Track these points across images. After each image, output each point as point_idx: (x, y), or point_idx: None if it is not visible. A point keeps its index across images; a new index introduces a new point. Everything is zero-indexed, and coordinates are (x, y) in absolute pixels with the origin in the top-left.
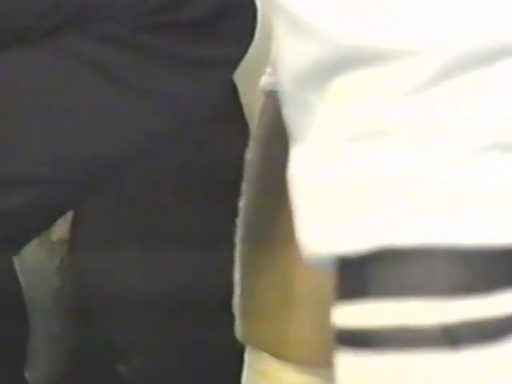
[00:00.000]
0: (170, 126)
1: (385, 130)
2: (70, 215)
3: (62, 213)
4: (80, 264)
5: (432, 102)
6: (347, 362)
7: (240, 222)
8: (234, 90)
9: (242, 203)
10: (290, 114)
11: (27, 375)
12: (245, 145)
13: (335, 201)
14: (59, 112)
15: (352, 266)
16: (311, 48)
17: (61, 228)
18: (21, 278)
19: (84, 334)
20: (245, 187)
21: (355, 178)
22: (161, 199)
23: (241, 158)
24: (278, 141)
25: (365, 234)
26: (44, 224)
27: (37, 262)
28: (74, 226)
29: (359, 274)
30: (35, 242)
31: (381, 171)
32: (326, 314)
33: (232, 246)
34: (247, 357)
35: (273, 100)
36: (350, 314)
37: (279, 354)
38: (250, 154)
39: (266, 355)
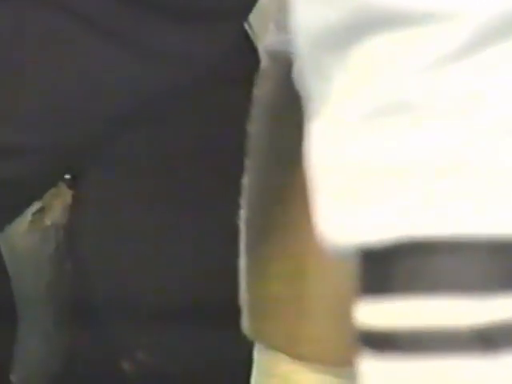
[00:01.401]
0: (169, 86)
1: (413, 105)
2: (68, 196)
3: (53, 183)
4: (79, 252)
5: (466, 73)
6: (371, 367)
7: (244, 202)
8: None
9: (245, 181)
10: (306, 83)
11: (13, 378)
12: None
13: (358, 184)
14: (45, 72)
15: (376, 258)
16: (332, 7)
17: (56, 210)
18: (9, 267)
19: (81, 331)
20: (248, 163)
21: (381, 158)
22: (175, 174)
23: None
24: (286, 110)
25: (391, 222)
26: (32, 196)
27: (27, 249)
28: (74, 207)
29: (384, 268)
30: (26, 226)
31: (409, 151)
32: (344, 307)
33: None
34: (256, 356)
35: (278, 62)
36: (374, 313)
37: (292, 353)
38: (253, 125)
39: (277, 354)
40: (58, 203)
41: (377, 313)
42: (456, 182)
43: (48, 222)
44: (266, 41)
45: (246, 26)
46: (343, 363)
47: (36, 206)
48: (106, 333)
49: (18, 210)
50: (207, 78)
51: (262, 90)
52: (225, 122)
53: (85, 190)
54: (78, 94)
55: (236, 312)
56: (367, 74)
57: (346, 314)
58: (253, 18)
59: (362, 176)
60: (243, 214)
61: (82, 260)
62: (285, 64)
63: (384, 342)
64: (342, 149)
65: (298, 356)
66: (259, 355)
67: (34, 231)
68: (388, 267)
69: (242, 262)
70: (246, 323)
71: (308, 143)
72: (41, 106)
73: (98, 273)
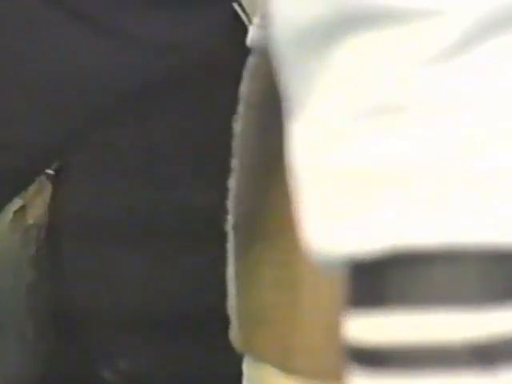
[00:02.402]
0: (156, 75)
1: (402, 106)
2: (49, 192)
3: (33, 178)
4: (59, 254)
5: (457, 72)
6: None
7: (231, 205)
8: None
9: (232, 183)
10: (287, 82)
11: None
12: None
13: (346, 192)
14: (26, 62)
15: (366, 269)
16: (316, 3)
17: (38, 208)
18: None
19: (60, 336)
20: (235, 163)
21: (368, 165)
22: (161, 172)
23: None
24: (273, 109)
25: (381, 232)
26: (12, 191)
27: (7, 250)
28: (53, 205)
29: (374, 280)
30: (6, 224)
31: (398, 157)
32: (339, 318)
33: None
34: (246, 370)
35: (264, 59)
36: (364, 327)
37: (284, 366)
38: (240, 124)
39: (268, 367)
40: (40, 201)
41: (367, 327)
42: (447, 190)
43: (30, 220)
44: (251, 36)
45: (240, 13)
46: (337, 377)
47: (18, 203)
48: (85, 339)
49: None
50: (196, 67)
51: (249, 87)
52: (212, 120)
53: (65, 187)
54: (61, 84)
55: (224, 322)
56: (353, 73)
57: (341, 325)
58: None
59: (348, 183)
60: (230, 218)
61: (62, 262)
62: (270, 61)
63: (375, 358)
64: (327, 152)
65: (289, 369)
66: (249, 369)
67: (15, 231)
68: (378, 279)
69: (230, 269)
70: (234, 334)
71: (290, 144)
72: (22, 97)
73: (76, 276)
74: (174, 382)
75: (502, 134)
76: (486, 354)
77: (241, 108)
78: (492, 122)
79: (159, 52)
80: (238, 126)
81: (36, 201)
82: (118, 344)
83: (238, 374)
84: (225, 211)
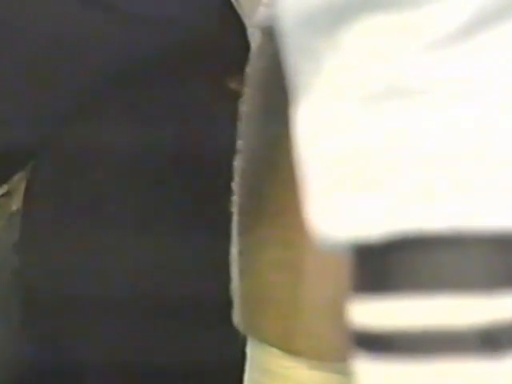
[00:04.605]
0: (147, 50)
1: (409, 90)
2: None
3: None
4: (38, 242)
5: (464, 57)
6: (367, 371)
7: (236, 186)
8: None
9: (238, 163)
10: (292, 64)
11: None
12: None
13: (352, 175)
14: (20, 35)
15: (372, 254)
16: None
17: (22, 195)
18: None
19: (49, 323)
20: (241, 144)
21: (375, 147)
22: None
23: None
24: (279, 89)
25: (386, 216)
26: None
27: None
28: (28, 191)
29: (381, 265)
30: None
31: (405, 140)
32: (342, 300)
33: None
34: (249, 351)
35: (271, 39)
36: (369, 313)
37: (288, 348)
38: (245, 104)
39: (272, 350)
40: (24, 187)
41: (372, 312)
42: (456, 173)
43: (14, 207)
44: (259, 16)
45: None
46: (340, 358)
47: (2, 190)
48: (72, 324)
49: None
50: (188, 44)
51: (255, 67)
52: (215, 104)
53: (39, 170)
54: (54, 58)
55: (227, 305)
56: (361, 56)
57: (344, 307)
58: None
59: (354, 166)
60: (235, 198)
61: (47, 247)
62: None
63: (380, 343)
64: (334, 135)
65: (292, 351)
66: (252, 351)
67: None
68: (385, 264)
69: (234, 250)
70: (237, 316)
71: (296, 127)
72: (16, 73)
73: (63, 262)
74: (176, 365)
75: (503, 121)
76: (492, 339)
77: (246, 89)
78: (500, 108)
79: (159, 28)
80: (244, 106)
81: (20, 187)
82: (109, 330)
83: (242, 358)
84: (229, 190)
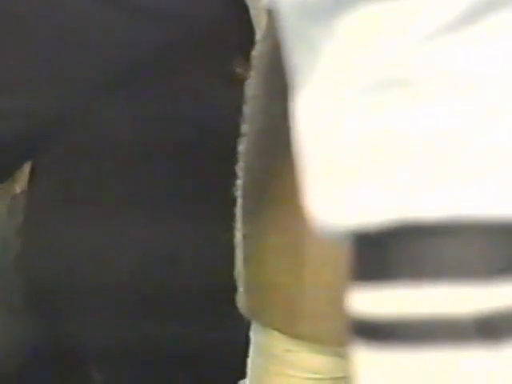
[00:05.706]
0: (158, 44)
1: (408, 80)
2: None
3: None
4: (42, 226)
5: (464, 44)
6: (367, 359)
7: (240, 170)
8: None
9: (242, 147)
10: (292, 52)
11: None
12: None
13: (351, 164)
14: (32, 31)
15: (372, 242)
16: None
17: (27, 177)
18: None
19: (50, 309)
20: (245, 128)
21: (374, 137)
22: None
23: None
24: (281, 73)
25: (386, 204)
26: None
27: None
28: (33, 173)
29: (380, 253)
30: None
31: (404, 130)
32: (344, 285)
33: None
34: (253, 336)
35: (273, 21)
36: (369, 301)
37: (291, 332)
38: (251, 87)
39: (274, 333)
40: (28, 170)
41: (372, 301)
42: (454, 162)
43: (18, 189)
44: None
45: None
46: (342, 342)
47: None
48: (73, 311)
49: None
50: (199, 38)
51: (261, 51)
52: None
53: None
54: (66, 53)
55: (231, 291)
56: (359, 45)
57: (345, 292)
58: None
59: (353, 155)
60: (239, 183)
61: (49, 231)
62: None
63: (380, 332)
64: (333, 125)
65: (295, 335)
66: (256, 334)
67: (2, 199)
68: (384, 252)
69: (238, 235)
70: (242, 300)
71: (296, 115)
72: (26, 67)
73: (65, 247)
74: (179, 349)
75: (503, 111)
76: (492, 327)
77: (252, 72)
78: (496, 100)
79: (165, 21)
80: (249, 90)
81: (25, 170)
82: (110, 316)
83: (246, 342)
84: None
